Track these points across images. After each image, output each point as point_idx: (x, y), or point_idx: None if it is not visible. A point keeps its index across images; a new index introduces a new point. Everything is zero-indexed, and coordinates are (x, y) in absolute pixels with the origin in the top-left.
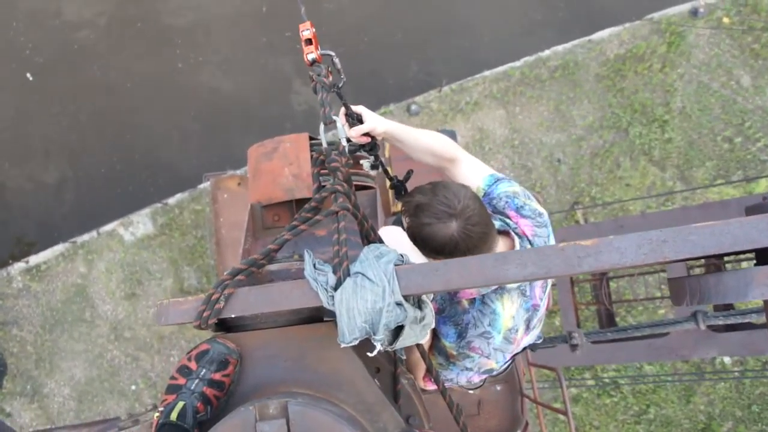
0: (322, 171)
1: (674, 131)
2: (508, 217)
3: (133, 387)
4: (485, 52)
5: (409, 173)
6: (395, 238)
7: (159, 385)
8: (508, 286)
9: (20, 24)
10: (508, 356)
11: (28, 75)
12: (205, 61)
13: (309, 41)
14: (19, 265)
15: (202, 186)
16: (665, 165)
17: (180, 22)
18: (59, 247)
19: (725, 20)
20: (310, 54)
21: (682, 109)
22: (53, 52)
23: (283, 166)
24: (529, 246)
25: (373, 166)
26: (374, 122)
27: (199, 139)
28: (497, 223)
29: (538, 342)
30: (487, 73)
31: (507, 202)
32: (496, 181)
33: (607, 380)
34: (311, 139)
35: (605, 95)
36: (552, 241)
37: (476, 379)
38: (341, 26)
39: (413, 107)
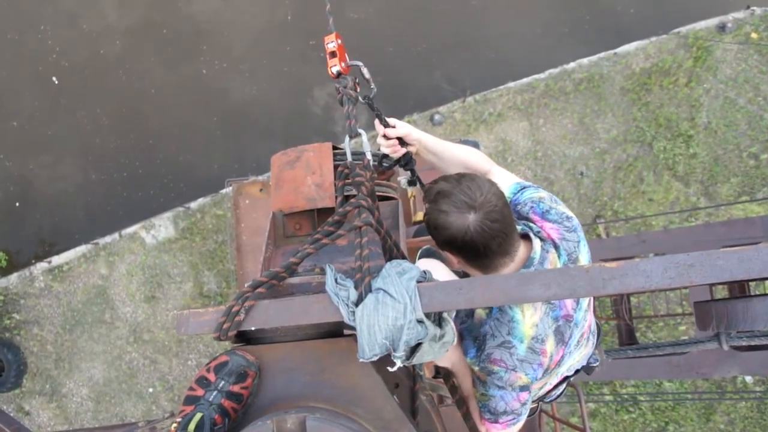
0: (346, 184)
1: (699, 146)
2: (532, 222)
3: (151, 389)
4: (510, 63)
5: None
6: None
7: (176, 388)
8: None
9: (48, 27)
10: (541, 372)
11: (54, 78)
12: (230, 67)
13: (333, 54)
14: (42, 265)
15: (224, 191)
16: (689, 180)
17: (205, 29)
18: (81, 249)
19: (753, 35)
20: (334, 66)
21: (708, 124)
22: (79, 57)
23: (305, 175)
24: (553, 250)
25: (411, 182)
26: (408, 128)
27: (221, 145)
28: (519, 227)
29: (594, 364)
30: (511, 84)
31: (532, 207)
32: (522, 189)
33: (625, 396)
34: (334, 148)
35: (630, 109)
36: (584, 247)
37: (522, 398)
38: (366, 36)
39: (437, 117)
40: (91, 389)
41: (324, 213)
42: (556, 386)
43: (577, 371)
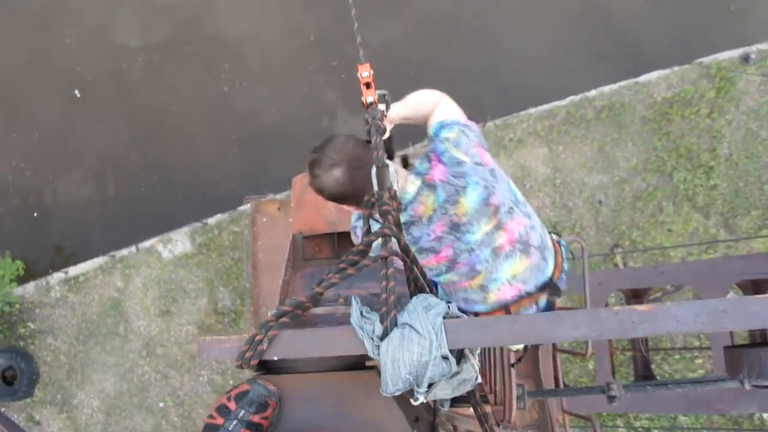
0: (371, 213)
1: (720, 178)
2: (432, 159)
3: (161, 404)
4: (531, 89)
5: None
6: None
7: (186, 404)
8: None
9: (73, 41)
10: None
11: (76, 92)
12: (251, 86)
13: (368, 84)
14: (58, 275)
15: (242, 208)
16: (709, 212)
17: (228, 47)
18: (98, 260)
19: None
20: (369, 97)
21: (729, 155)
22: (102, 71)
23: None
24: (429, 192)
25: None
26: (393, 115)
27: (240, 162)
28: (417, 164)
29: (561, 286)
30: (531, 110)
31: (437, 146)
32: (441, 127)
33: (640, 429)
34: None
35: (650, 138)
36: (473, 191)
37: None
38: (387, 59)
39: None
40: (102, 401)
41: (344, 236)
42: (519, 301)
43: (542, 288)
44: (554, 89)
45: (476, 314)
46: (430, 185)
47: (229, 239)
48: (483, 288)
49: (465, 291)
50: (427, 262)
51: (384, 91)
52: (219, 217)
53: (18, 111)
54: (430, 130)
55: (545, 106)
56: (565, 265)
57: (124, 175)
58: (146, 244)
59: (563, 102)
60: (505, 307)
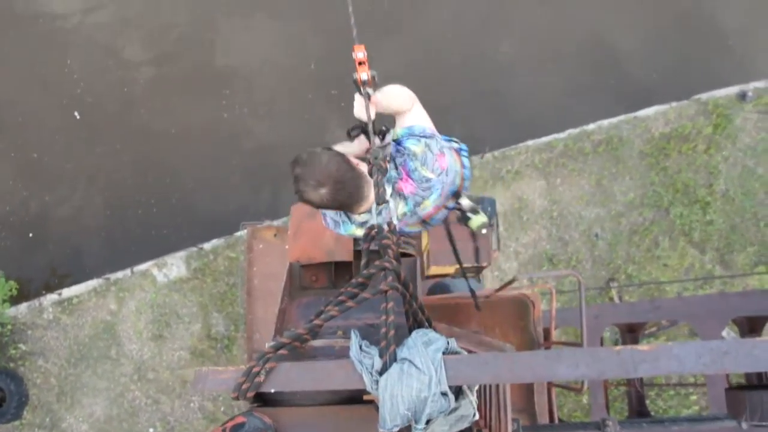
0: (371, 248)
1: (716, 213)
2: (401, 173)
3: (151, 430)
4: (530, 121)
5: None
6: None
7: (177, 430)
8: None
9: (74, 63)
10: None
11: (76, 113)
12: (251, 112)
13: (361, 63)
14: (52, 297)
15: (238, 234)
16: (705, 247)
17: (229, 73)
18: (92, 283)
19: None
20: (363, 73)
21: (726, 192)
22: (103, 93)
23: (325, 227)
24: (400, 199)
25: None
26: (379, 102)
27: (237, 187)
28: (391, 173)
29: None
30: (530, 142)
31: (405, 159)
32: (409, 136)
33: None
34: None
35: (648, 173)
36: (434, 195)
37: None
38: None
39: None
40: (91, 426)
41: (341, 266)
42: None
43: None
44: (553, 122)
45: None
46: (400, 194)
47: (224, 264)
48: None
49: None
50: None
51: (374, 72)
52: (215, 242)
53: (17, 131)
54: (398, 131)
55: (544, 139)
56: (467, 172)
57: (122, 198)
58: (141, 267)
59: (562, 135)
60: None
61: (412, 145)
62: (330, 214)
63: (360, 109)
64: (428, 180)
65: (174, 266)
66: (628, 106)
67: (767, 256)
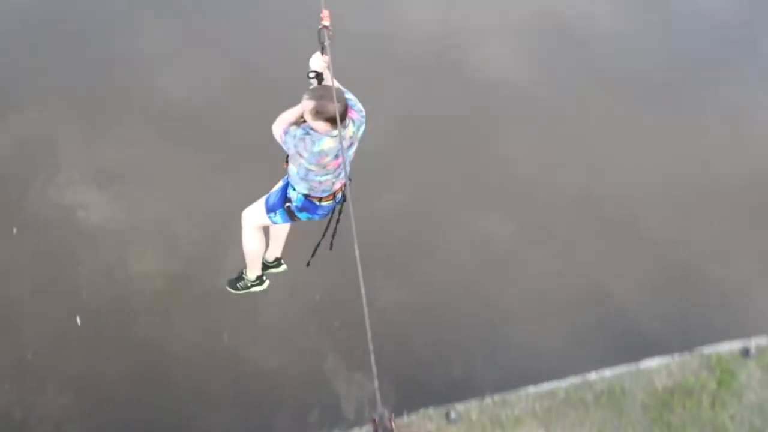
0: None
1: None
2: (349, 109)
3: None
4: (532, 367)
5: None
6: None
7: None
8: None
9: (84, 268)
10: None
11: (78, 319)
12: (252, 337)
13: (326, 27)
14: None
15: None
16: None
17: (233, 298)
18: None
19: None
20: (325, 21)
21: None
22: (107, 303)
23: None
24: (351, 124)
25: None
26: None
27: (234, 413)
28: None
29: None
30: (531, 389)
31: (350, 103)
32: (348, 98)
33: None
34: None
35: (651, 428)
36: (362, 122)
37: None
38: (390, 324)
39: (452, 414)
40: None
41: None
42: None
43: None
44: (555, 368)
45: (319, 199)
46: (351, 119)
47: None
48: (335, 184)
49: (329, 185)
50: (332, 164)
51: (328, 42)
52: None
53: (14, 331)
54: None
55: (545, 386)
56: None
57: (116, 412)
58: None
59: (563, 383)
60: (333, 194)
61: (350, 97)
62: (311, 135)
63: (315, 62)
64: (362, 111)
65: None
66: (631, 356)
67: None
